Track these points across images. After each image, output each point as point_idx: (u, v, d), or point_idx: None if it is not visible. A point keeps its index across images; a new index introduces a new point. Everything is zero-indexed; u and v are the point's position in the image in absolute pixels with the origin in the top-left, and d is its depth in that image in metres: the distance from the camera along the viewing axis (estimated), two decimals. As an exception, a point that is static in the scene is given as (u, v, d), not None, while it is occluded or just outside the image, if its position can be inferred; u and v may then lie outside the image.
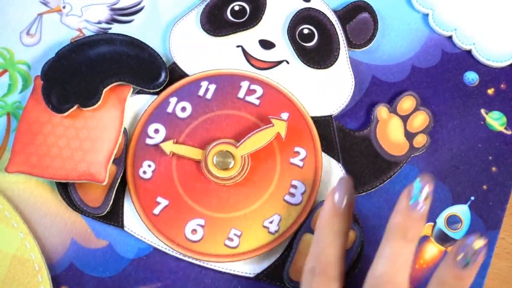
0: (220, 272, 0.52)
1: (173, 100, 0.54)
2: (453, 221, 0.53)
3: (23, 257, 0.51)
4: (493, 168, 0.54)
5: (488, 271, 0.53)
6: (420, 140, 0.54)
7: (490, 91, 0.55)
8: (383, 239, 0.45)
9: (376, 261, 0.45)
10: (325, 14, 0.55)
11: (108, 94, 0.53)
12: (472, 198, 0.53)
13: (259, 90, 0.54)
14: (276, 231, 0.52)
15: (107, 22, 0.57)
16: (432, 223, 0.53)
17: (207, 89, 0.54)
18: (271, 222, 0.52)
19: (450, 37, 0.56)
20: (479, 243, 0.43)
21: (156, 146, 0.53)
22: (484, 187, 0.54)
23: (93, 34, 0.56)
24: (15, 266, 0.51)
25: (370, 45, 0.56)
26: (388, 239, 0.45)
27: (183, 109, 0.54)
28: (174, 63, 0.55)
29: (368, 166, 0.53)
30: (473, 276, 0.44)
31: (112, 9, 0.57)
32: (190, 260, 0.52)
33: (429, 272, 0.52)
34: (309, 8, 0.56)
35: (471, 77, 0.56)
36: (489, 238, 0.53)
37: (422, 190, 0.44)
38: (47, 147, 0.52)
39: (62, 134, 0.52)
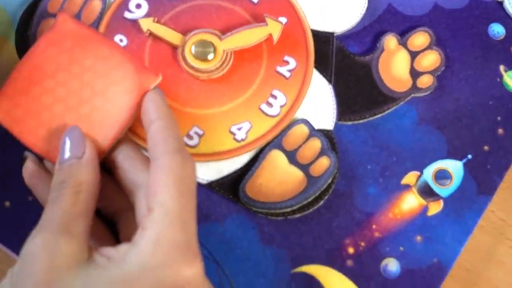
0: (171, 171, 0.46)
1: (164, -23, 0.48)
2: (442, 176, 0.46)
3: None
4: (500, 130, 0.47)
5: (469, 242, 0.46)
6: (426, 81, 0.48)
7: (515, 49, 0.49)
8: None
9: None
10: None
11: (132, 73, 0.41)
12: (470, 156, 0.47)
13: (261, -13, 0.48)
14: (242, 139, 0.46)
15: None
16: (418, 173, 0.46)
17: (204, -26, 0.48)
18: (239, 129, 0.46)
19: (483, -19, 0.50)
20: None
21: (134, 21, 0.48)
22: (486, 148, 0.47)
23: None
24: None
25: (394, -30, 0.50)
26: None
27: (173, -11, 0.48)
28: None
29: (361, 95, 0.47)
30: None
31: None
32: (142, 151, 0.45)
33: (402, 224, 0.46)
34: None
35: (497, 30, 0.50)
36: (479, 204, 0.46)
37: None
38: (39, 107, 0.41)
39: (62, 98, 0.41)
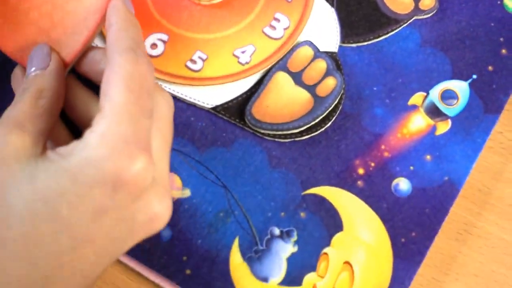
0: (175, 97, 0.45)
1: None
2: (448, 96, 0.46)
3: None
4: (503, 51, 0.47)
5: (479, 163, 0.45)
6: (428, 3, 0.47)
7: (514, -29, 0.49)
8: None
9: None
10: None
11: None
12: (474, 76, 0.47)
13: None
14: (246, 63, 0.45)
15: None
16: (424, 93, 0.46)
17: None
18: (243, 52, 0.45)
19: None
20: None
21: (132, -51, 0.46)
22: (490, 68, 0.47)
23: None
24: None
25: None
26: None
27: None
28: None
29: (364, 18, 0.47)
30: None
31: None
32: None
33: (411, 144, 0.45)
34: None
35: (495, -46, 0.50)
36: (487, 122, 0.46)
37: None
38: (17, 14, 0.40)
39: (38, 5, 0.40)
